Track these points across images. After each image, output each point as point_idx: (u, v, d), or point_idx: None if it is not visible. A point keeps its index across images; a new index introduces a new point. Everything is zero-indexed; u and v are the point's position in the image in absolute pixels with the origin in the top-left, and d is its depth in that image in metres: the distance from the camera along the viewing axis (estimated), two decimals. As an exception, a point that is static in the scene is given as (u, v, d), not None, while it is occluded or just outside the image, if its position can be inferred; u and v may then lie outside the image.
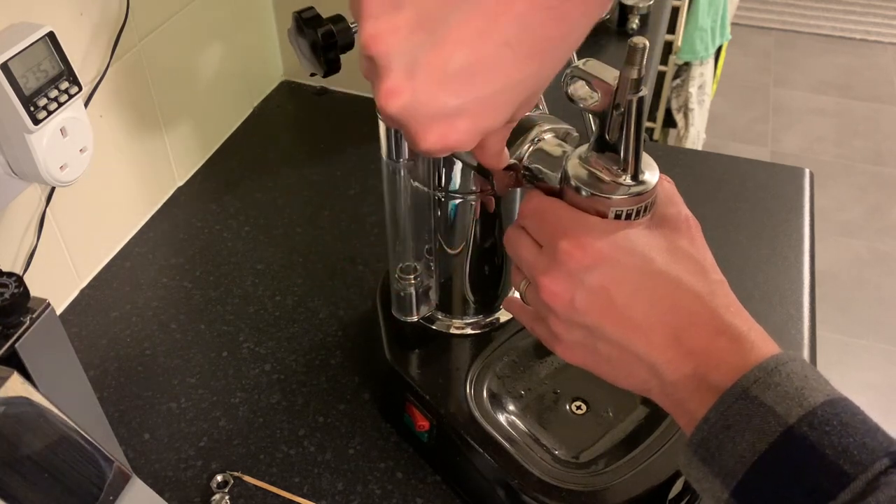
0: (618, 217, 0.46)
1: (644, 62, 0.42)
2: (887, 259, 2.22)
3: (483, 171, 0.55)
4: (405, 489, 0.64)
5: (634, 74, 0.43)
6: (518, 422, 0.63)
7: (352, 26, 0.58)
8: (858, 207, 2.38)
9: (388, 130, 0.54)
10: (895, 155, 2.56)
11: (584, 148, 0.49)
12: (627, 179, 0.46)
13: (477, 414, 0.61)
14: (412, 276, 0.62)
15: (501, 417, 0.63)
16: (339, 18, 0.58)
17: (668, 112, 1.91)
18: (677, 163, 0.97)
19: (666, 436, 0.61)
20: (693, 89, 1.83)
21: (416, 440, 0.66)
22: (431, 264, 0.64)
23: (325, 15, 0.59)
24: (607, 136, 0.46)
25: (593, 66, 0.47)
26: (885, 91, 2.83)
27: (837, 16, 3.21)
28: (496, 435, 0.60)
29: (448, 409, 0.62)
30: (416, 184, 0.60)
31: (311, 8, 0.58)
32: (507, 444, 0.59)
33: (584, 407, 0.64)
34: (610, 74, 0.45)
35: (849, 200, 2.40)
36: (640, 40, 0.42)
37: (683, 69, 1.83)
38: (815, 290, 0.82)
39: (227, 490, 0.64)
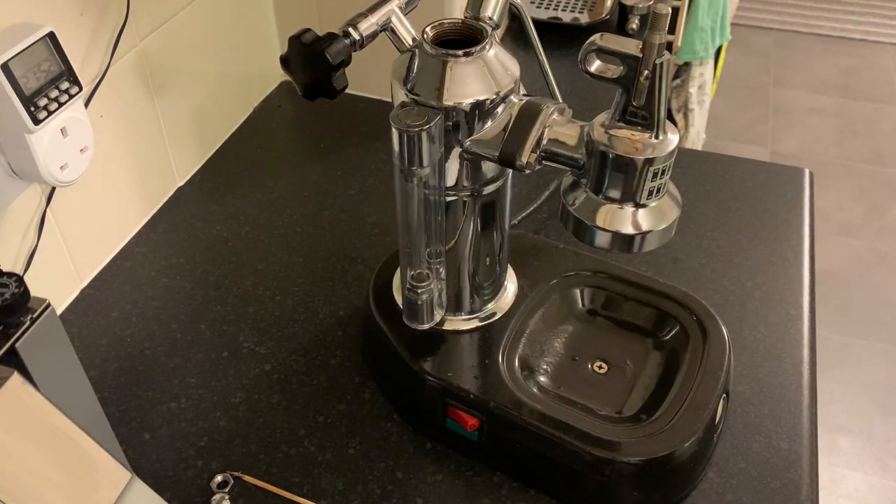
0: (654, 176, 0.50)
1: (666, 27, 0.46)
2: (887, 259, 2.22)
3: (505, 162, 0.55)
4: (405, 489, 0.64)
5: (659, 39, 0.46)
6: (555, 394, 0.65)
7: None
8: (858, 207, 2.38)
9: (401, 138, 0.54)
10: (895, 155, 2.55)
11: (602, 118, 0.52)
12: (658, 137, 0.50)
13: (522, 397, 0.63)
14: (426, 284, 0.62)
15: (541, 394, 0.65)
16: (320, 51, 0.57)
17: (668, 112, 1.91)
18: (677, 163, 0.97)
19: (693, 368, 0.65)
20: (693, 89, 1.83)
21: (462, 442, 0.66)
22: (440, 268, 0.64)
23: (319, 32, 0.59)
24: (633, 102, 0.49)
25: (611, 39, 0.50)
26: (885, 91, 2.83)
27: (837, 16, 3.21)
28: (547, 411, 0.62)
29: (496, 400, 0.63)
30: (424, 189, 0.61)
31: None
32: (561, 417, 0.61)
33: (605, 366, 0.68)
34: (632, 44, 0.48)
35: (849, 200, 2.40)
36: (663, 6, 0.45)
37: (683, 69, 1.82)
38: (815, 290, 0.82)
39: (227, 490, 0.64)
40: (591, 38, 0.51)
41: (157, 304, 0.80)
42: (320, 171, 0.97)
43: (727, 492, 0.64)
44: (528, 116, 0.55)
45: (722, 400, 0.65)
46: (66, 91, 0.65)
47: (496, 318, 0.69)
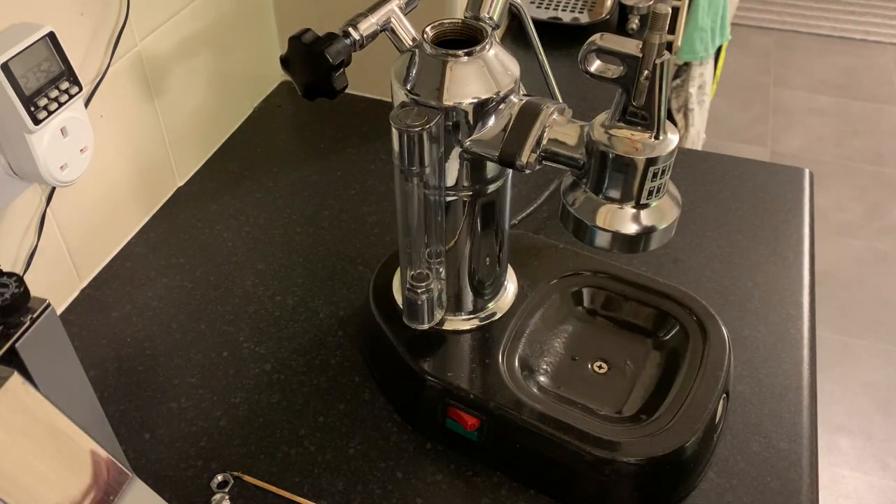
0: (654, 176, 0.50)
1: (666, 27, 0.46)
2: (887, 259, 2.22)
3: (505, 162, 0.55)
4: (405, 489, 0.64)
5: (659, 39, 0.46)
6: (555, 394, 0.65)
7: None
8: (858, 207, 2.38)
9: (401, 138, 0.54)
10: (895, 155, 2.56)
11: (602, 118, 0.52)
12: (658, 137, 0.51)
13: (522, 397, 0.63)
14: (425, 284, 0.62)
15: (541, 394, 0.65)
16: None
17: (668, 112, 1.91)
18: (677, 163, 0.97)
19: (693, 368, 0.65)
20: (693, 89, 1.83)
21: (462, 442, 0.66)
22: (440, 268, 0.64)
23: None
24: (633, 102, 0.49)
25: (611, 39, 0.50)
26: (885, 91, 2.83)
27: (837, 16, 3.21)
28: (547, 411, 0.62)
29: (496, 400, 0.63)
30: (424, 189, 0.61)
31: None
32: (561, 417, 0.61)
33: (605, 366, 0.68)
34: (632, 44, 0.48)
35: (849, 200, 2.40)
36: (663, 7, 0.46)
37: (683, 69, 1.82)
38: (815, 290, 0.82)
39: (227, 490, 0.64)
40: (591, 38, 0.51)
41: (157, 304, 0.80)
42: (320, 171, 0.97)
43: (727, 492, 0.64)
44: (528, 116, 0.55)
45: (722, 400, 0.65)
46: (66, 91, 0.65)
47: (496, 318, 0.69)
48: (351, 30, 0.57)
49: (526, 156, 0.55)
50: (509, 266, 0.73)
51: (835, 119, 2.71)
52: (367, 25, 0.57)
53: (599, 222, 0.55)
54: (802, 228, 0.88)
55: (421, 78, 0.56)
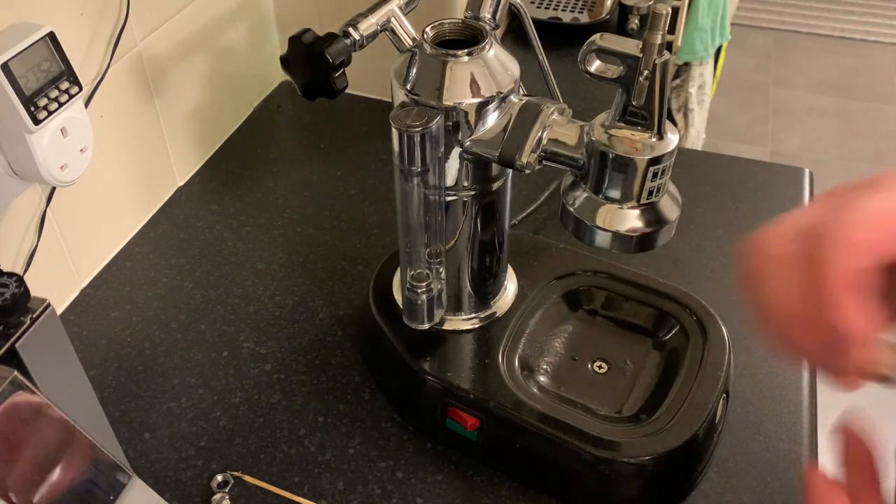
0: (654, 176, 0.51)
1: (666, 27, 0.46)
2: (887, 259, 2.21)
3: (505, 162, 0.55)
4: (405, 489, 0.64)
5: (659, 39, 0.46)
6: (555, 394, 0.65)
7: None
8: (858, 207, 2.37)
9: (401, 138, 0.54)
10: (895, 155, 2.55)
11: (602, 118, 0.52)
12: (657, 138, 0.51)
13: (522, 397, 0.63)
14: (425, 284, 0.62)
15: (541, 394, 0.65)
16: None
17: (668, 112, 1.91)
18: (677, 163, 0.97)
19: (693, 368, 0.65)
20: (693, 89, 1.83)
21: (462, 442, 0.66)
22: (440, 268, 0.64)
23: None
24: (633, 102, 0.49)
25: (611, 39, 0.50)
26: (885, 91, 2.83)
27: (837, 16, 3.21)
28: (547, 411, 0.62)
29: (496, 400, 0.63)
30: (424, 189, 0.61)
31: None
32: (561, 417, 0.61)
33: (604, 365, 0.68)
34: (632, 44, 0.49)
35: (849, 200, 2.40)
36: (663, 7, 0.46)
37: (683, 69, 1.82)
38: (815, 290, 0.82)
39: (227, 490, 0.64)
40: (591, 38, 0.51)
41: (157, 304, 0.80)
42: (320, 171, 0.97)
43: (727, 492, 0.64)
44: (528, 116, 0.55)
45: (722, 400, 0.65)
46: (66, 91, 0.65)
47: (496, 318, 0.69)
48: (351, 30, 0.57)
49: (526, 156, 0.55)
50: (509, 266, 0.73)
51: (835, 119, 2.71)
52: (367, 25, 0.57)
53: (599, 222, 0.55)
54: (802, 228, 0.87)
55: (421, 78, 0.56)
